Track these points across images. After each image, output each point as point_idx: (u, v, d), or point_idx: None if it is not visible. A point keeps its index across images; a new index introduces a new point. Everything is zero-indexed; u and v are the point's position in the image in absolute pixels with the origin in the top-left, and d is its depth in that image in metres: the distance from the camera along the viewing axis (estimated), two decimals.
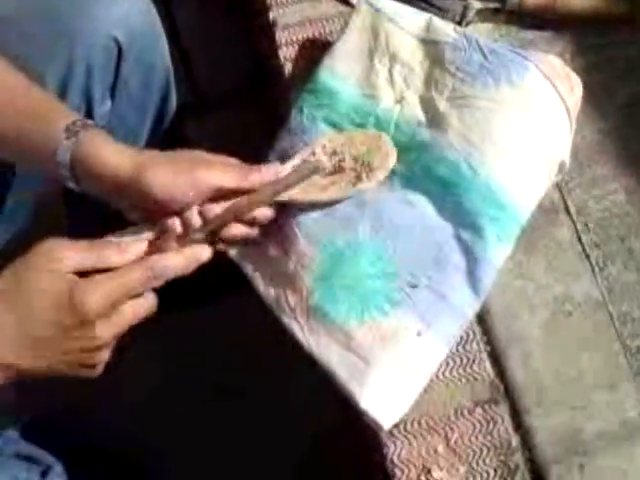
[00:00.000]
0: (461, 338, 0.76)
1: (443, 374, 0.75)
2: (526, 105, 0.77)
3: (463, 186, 0.75)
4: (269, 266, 0.77)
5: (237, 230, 0.75)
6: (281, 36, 0.93)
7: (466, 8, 0.91)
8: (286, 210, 0.77)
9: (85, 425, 1.15)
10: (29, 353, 0.63)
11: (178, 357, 1.22)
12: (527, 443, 0.73)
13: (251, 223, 0.76)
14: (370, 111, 0.80)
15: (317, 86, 0.82)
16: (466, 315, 0.74)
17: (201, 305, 1.21)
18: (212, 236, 0.74)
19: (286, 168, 0.77)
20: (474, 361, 0.76)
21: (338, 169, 0.77)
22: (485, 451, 0.73)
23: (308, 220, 0.77)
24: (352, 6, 0.93)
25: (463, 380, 0.75)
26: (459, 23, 0.90)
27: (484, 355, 0.76)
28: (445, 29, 0.81)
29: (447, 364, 0.75)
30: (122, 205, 0.75)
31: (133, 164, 0.72)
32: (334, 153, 0.78)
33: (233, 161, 0.77)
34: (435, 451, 0.72)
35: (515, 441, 0.73)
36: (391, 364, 0.71)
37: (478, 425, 0.73)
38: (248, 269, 0.79)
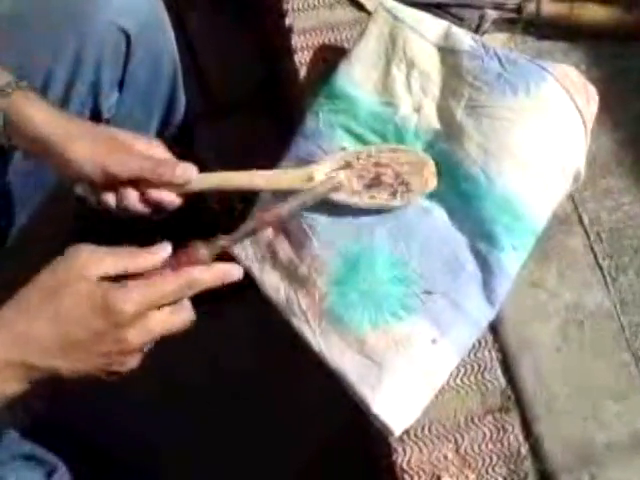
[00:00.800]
0: (473, 346, 0.76)
1: (454, 381, 0.75)
2: (543, 115, 0.78)
3: (479, 195, 0.76)
4: (280, 270, 0.77)
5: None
6: (297, 41, 0.93)
7: (482, 17, 0.91)
8: (297, 214, 0.77)
9: (90, 425, 1.15)
10: (65, 356, 0.64)
11: (185, 358, 1.22)
12: (537, 452, 0.72)
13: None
14: (389, 119, 0.80)
15: (334, 91, 0.82)
16: (480, 324, 0.74)
17: (210, 306, 1.21)
18: None
19: (324, 164, 0.78)
20: (485, 369, 0.76)
21: (377, 181, 0.78)
22: (495, 459, 0.72)
23: (321, 224, 0.77)
24: (368, 13, 0.93)
25: (474, 388, 0.75)
26: (475, 32, 0.90)
27: (495, 363, 0.76)
28: (463, 38, 0.81)
29: (458, 371, 0.75)
30: (46, 162, 0.78)
31: (57, 128, 0.75)
32: (378, 164, 0.78)
33: (158, 150, 0.77)
34: (445, 458, 0.72)
35: (525, 449, 0.73)
36: (404, 370, 0.71)
37: (488, 433, 0.73)
38: (256, 272, 0.79)
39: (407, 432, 0.73)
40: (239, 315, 1.19)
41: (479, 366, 0.76)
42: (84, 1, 0.89)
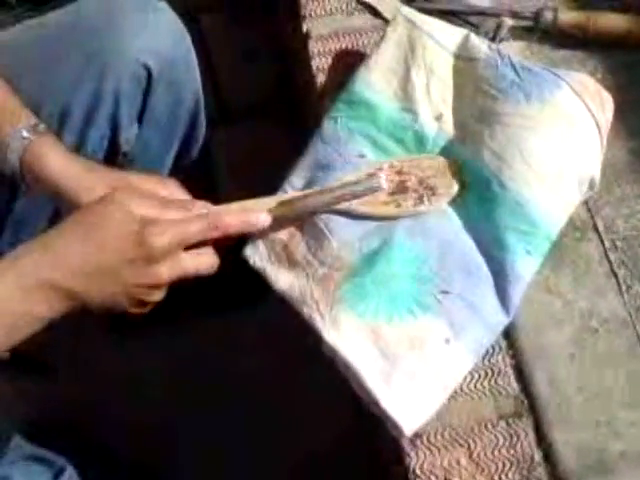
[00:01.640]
0: (486, 351, 0.76)
1: (467, 386, 0.75)
2: (557, 122, 0.78)
3: (495, 201, 0.76)
4: (296, 270, 0.77)
5: None
6: (314, 47, 0.94)
7: (499, 26, 0.92)
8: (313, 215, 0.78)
9: (97, 425, 1.16)
10: (96, 281, 0.66)
11: (190, 361, 1.23)
12: (550, 458, 0.72)
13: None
14: (408, 126, 0.81)
15: (353, 97, 0.83)
16: (494, 328, 0.74)
17: (213, 312, 1.22)
18: None
19: (348, 179, 0.79)
20: (499, 374, 0.76)
21: (402, 188, 0.78)
22: (508, 465, 0.72)
23: (339, 225, 0.77)
24: (385, 20, 0.94)
25: (487, 393, 0.75)
26: (492, 40, 0.90)
27: (509, 369, 0.76)
28: (480, 46, 0.82)
29: (472, 377, 0.75)
30: (64, 211, 0.78)
31: (74, 179, 0.76)
32: (400, 172, 0.79)
33: (173, 187, 0.78)
34: (458, 463, 0.72)
35: (538, 456, 0.73)
36: (416, 368, 0.71)
37: (501, 438, 0.73)
38: (270, 273, 0.78)
39: (419, 437, 0.73)
40: (246, 321, 1.20)
41: (493, 372, 0.76)
42: (110, 37, 0.89)
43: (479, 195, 0.77)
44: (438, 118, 0.81)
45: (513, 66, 0.80)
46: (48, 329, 0.67)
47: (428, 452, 0.73)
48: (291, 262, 0.78)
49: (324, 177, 0.80)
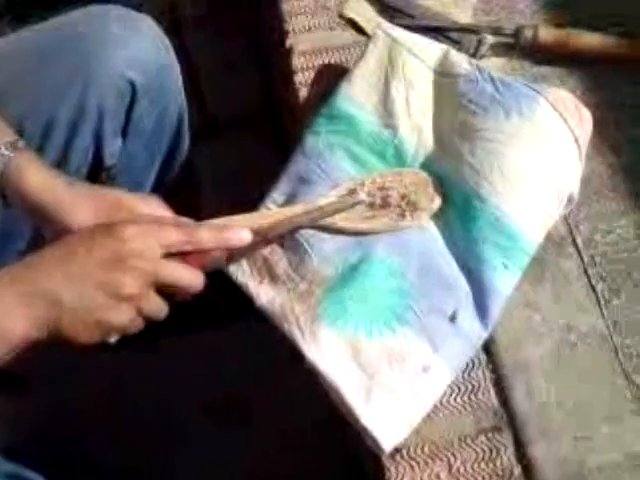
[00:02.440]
0: (466, 366, 0.76)
1: (447, 401, 0.75)
2: (536, 137, 0.79)
3: (474, 216, 0.77)
4: (278, 285, 0.77)
5: None
6: (297, 62, 0.95)
7: (480, 42, 0.93)
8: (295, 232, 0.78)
9: (80, 438, 1.15)
10: (66, 283, 0.65)
11: (178, 376, 1.22)
12: (530, 473, 0.72)
13: None
14: (389, 140, 0.82)
15: (334, 112, 0.83)
16: (473, 342, 0.74)
17: (203, 328, 1.22)
18: None
19: (330, 195, 0.79)
20: (479, 389, 0.76)
21: (384, 204, 0.79)
22: (487, 479, 0.72)
23: (320, 240, 0.77)
24: (368, 36, 0.95)
25: (467, 408, 0.75)
26: (473, 56, 0.91)
27: (489, 383, 0.76)
28: (460, 62, 0.83)
29: (452, 391, 0.75)
30: (44, 228, 0.77)
31: (55, 195, 0.75)
32: (382, 188, 0.80)
33: (155, 205, 0.78)
34: (438, 477, 0.72)
35: (517, 470, 0.73)
36: (396, 383, 0.71)
37: (481, 453, 0.73)
38: (253, 288, 0.78)
39: (399, 451, 0.73)
40: (230, 337, 1.20)
41: (472, 386, 0.76)
42: (93, 52, 0.89)
43: (458, 210, 0.78)
44: (417, 132, 0.82)
45: (493, 82, 0.81)
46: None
47: (408, 467, 0.73)
48: (272, 277, 0.78)
49: (305, 191, 0.80)
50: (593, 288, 0.81)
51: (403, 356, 0.72)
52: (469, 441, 0.74)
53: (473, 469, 0.73)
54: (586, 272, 0.82)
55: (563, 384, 0.76)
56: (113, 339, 0.69)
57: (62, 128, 0.91)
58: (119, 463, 1.10)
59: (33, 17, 0.98)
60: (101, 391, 1.20)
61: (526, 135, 0.78)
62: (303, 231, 0.78)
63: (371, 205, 0.79)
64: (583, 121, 0.80)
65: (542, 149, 0.78)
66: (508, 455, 0.73)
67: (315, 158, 0.81)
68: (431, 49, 0.84)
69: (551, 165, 0.78)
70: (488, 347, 0.77)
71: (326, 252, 0.77)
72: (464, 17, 0.96)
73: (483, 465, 0.73)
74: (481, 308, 0.74)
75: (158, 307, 0.70)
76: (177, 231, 0.70)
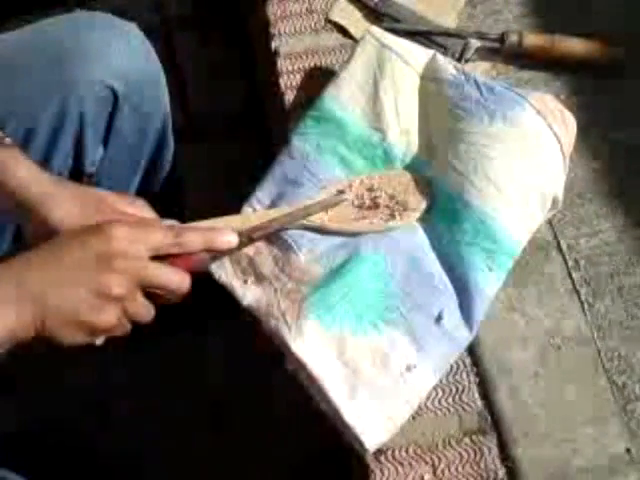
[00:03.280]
0: (451, 368, 0.76)
1: (432, 403, 0.75)
2: (520, 141, 0.79)
3: (459, 218, 0.77)
4: (263, 285, 0.77)
5: None
6: (283, 65, 0.95)
7: (466, 46, 0.93)
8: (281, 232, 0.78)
9: (67, 441, 1.15)
10: (50, 282, 0.65)
11: (163, 380, 1.22)
12: (514, 474, 0.73)
13: None
14: (377, 144, 0.82)
15: (322, 114, 0.83)
16: (458, 344, 0.74)
17: (186, 330, 1.22)
18: None
19: (318, 197, 0.79)
20: (463, 391, 0.76)
21: (373, 205, 0.79)
22: None
23: (307, 239, 0.77)
24: (354, 39, 0.95)
25: (452, 410, 0.75)
26: (459, 61, 0.92)
27: (473, 386, 0.77)
28: (446, 66, 0.83)
29: (436, 394, 0.76)
30: (26, 227, 0.76)
31: (42, 189, 0.75)
32: (371, 189, 0.80)
33: (140, 206, 0.78)
34: (422, 479, 0.72)
35: (502, 472, 0.73)
36: (380, 384, 0.71)
37: (466, 455, 0.74)
38: (237, 289, 0.77)
39: (384, 453, 0.73)
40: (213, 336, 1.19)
41: (457, 389, 0.76)
42: (75, 59, 0.88)
43: (444, 212, 0.78)
44: (404, 135, 0.82)
45: (478, 86, 0.82)
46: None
47: (393, 468, 0.73)
48: (258, 277, 0.77)
49: (292, 193, 0.80)
50: (577, 292, 0.81)
51: (388, 355, 0.72)
52: (454, 443, 0.74)
53: (457, 471, 0.73)
54: (570, 276, 0.82)
55: (547, 386, 0.76)
56: (99, 340, 0.69)
57: (43, 134, 0.90)
58: (104, 467, 1.10)
59: (14, 21, 0.97)
60: (87, 396, 1.20)
61: (511, 139, 0.79)
62: (291, 231, 0.77)
63: (360, 206, 0.79)
64: (567, 125, 0.81)
65: (527, 153, 0.79)
66: (492, 457, 0.74)
67: (302, 160, 0.81)
68: (418, 53, 0.85)
69: (535, 169, 0.79)
70: (473, 350, 0.78)
71: (314, 252, 0.77)
72: (450, 21, 0.96)
73: (467, 467, 0.73)
74: (466, 310, 0.75)
75: (145, 309, 0.70)
76: (164, 233, 0.70)
